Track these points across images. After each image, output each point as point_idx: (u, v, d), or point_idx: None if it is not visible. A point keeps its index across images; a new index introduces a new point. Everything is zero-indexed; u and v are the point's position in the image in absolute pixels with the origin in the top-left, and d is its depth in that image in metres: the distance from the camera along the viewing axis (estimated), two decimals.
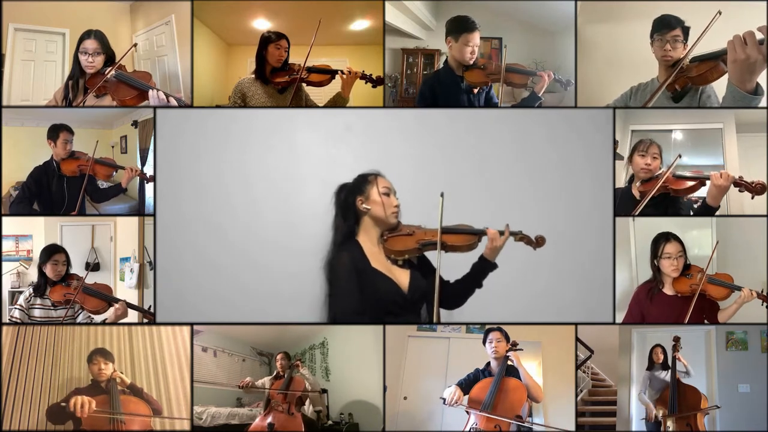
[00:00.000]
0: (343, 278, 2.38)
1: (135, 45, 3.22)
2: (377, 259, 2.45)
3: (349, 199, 2.50)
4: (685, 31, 2.80)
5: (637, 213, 2.81)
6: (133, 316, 2.96)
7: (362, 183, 2.52)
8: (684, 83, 2.78)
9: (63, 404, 2.55)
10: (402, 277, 2.46)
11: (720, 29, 2.69)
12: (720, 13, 2.70)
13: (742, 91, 2.58)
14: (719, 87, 2.76)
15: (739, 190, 2.71)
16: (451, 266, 2.48)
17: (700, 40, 2.74)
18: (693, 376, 2.94)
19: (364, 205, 2.47)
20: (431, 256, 2.55)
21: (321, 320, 2.47)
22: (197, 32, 3.11)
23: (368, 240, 2.48)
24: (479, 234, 2.50)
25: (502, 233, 2.49)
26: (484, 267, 2.51)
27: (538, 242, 2.52)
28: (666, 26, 2.80)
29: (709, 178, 2.73)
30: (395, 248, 2.46)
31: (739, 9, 2.91)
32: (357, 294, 2.37)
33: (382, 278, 2.41)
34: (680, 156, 2.85)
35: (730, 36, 2.57)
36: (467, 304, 2.87)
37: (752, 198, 2.73)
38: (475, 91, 3.07)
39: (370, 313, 2.39)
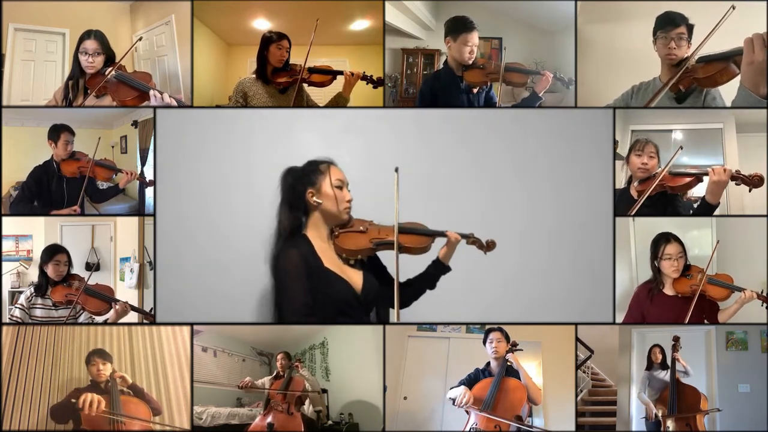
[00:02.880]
0: (293, 278, 2.25)
1: (140, 38, 3.21)
2: (329, 258, 2.34)
3: (298, 188, 2.37)
4: (690, 29, 2.73)
5: (634, 212, 2.78)
6: (133, 316, 2.96)
7: (313, 172, 2.39)
8: (689, 84, 2.70)
9: (73, 400, 2.53)
10: (355, 278, 2.36)
11: (723, 29, 2.63)
12: (734, 7, 2.60)
13: (755, 95, 2.46)
14: (723, 87, 2.70)
15: (736, 184, 2.64)
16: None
17: (708, 39, 2.64)
18: (692, 376, 2.94)
19: (314, 199, 2.35)
20: (382, 256, 2.46)
21: (267, 319, 2.37)
22: (197, 32, 3.11)
23: (317, 236, 2.36)
24: (433, 235, 2.42)
25: (464, 236, 2.41)
26: (439, 269, 2.46)
27: (489, 246, 2.42)
28: (670, 23, 2.73)
29: (706, 174, 2.68)
30: (348, 247, 2.35)
31: (746, 9, 2.84)
32: (308, 294, 2.26)
33: (335, 279, 2.30)
34: (681, 148, 2.78)
35: (734, 36, 2.49)
36: (468, 303, 2.89)
37: (750, 191, 2.67)
38: (475, 90, 3.07)
39: (320, 313, 2.28)
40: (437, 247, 2.49)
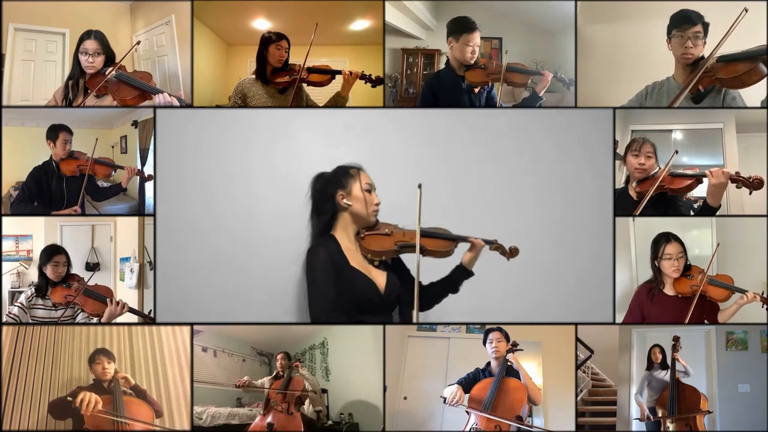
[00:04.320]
0: (320, 274, 2.34)
1: (138, 42, 3.21)
2: (354, 257, 2.41)
3: (328, 191, 2.44)
4: (705, 27, 2.68)
5: (637, 213, 2.79)
6: (132, 317, 2.96)
7: (344, 176, 2.46)
8: (708, 83, 2.65)
9: (69, 398, 2.53)
10: (379, 278, 2.43)
11: (727, 25, 2.60)
12: (746, 10, 2.55)
13: None
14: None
15: (737, 186, 2.63)
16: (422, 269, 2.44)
17: (725, 39, 2.58)
18: (692, 376, 2.94)
19: (345, 201, 2.42)
20: (406, 258, 2.52)
21: (305, 318, 2.43)
22: (197, 32, 3.11)
23: (345, 236, 2.43)
24: (457, 240, 2.47)
25: (488, 242, 2.47)
26: (462, 274, 2.50)
27: (512, 252, 2.50)
28: (686, 22, 2.67)
29: (705, 175, 2.65)
30: (372, 248, 2.42)
31: (751, 8, 2.81)
32: (333, 290, 2.33)
33: (360, 277, 2.37)
34: (677, 152, 2.77)
35: (738, 35, 2.47)
36: (468, 303, 2.88)
37: (750, 194, 2.65)
38: (476, 90, 3.07)
39: (345, 311, 2.35)
40: (460, 252, 2.52)
